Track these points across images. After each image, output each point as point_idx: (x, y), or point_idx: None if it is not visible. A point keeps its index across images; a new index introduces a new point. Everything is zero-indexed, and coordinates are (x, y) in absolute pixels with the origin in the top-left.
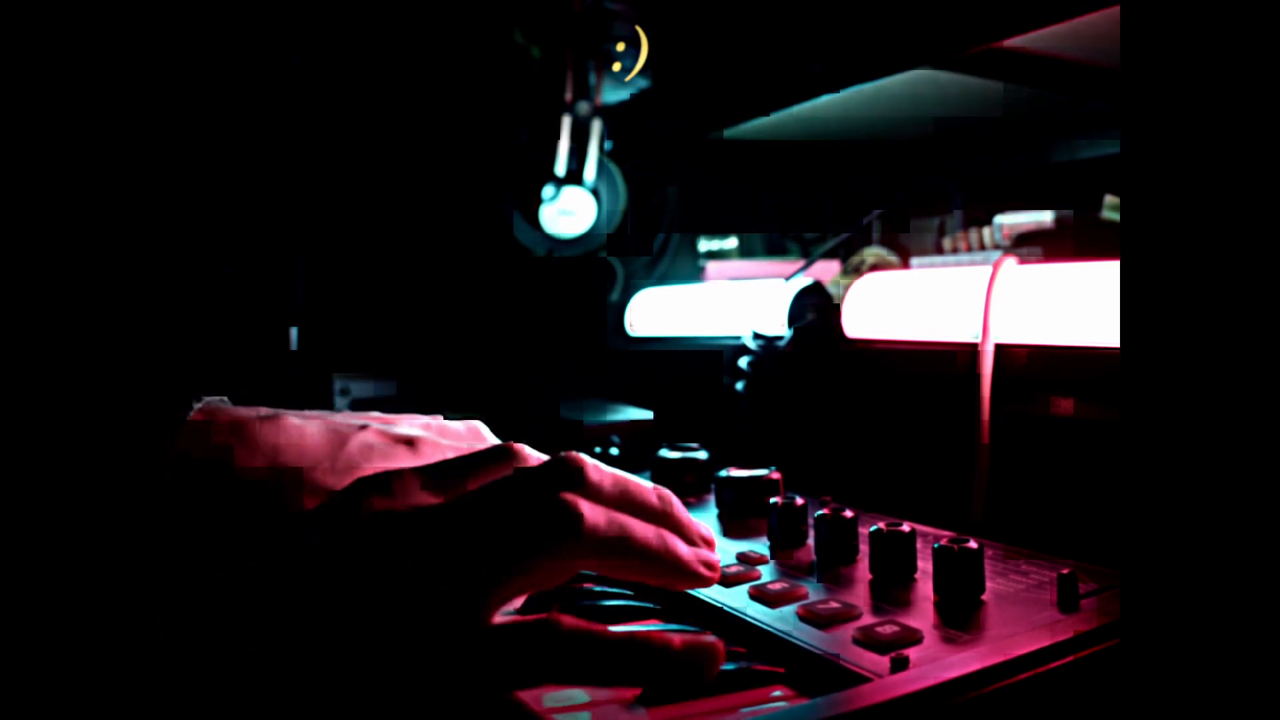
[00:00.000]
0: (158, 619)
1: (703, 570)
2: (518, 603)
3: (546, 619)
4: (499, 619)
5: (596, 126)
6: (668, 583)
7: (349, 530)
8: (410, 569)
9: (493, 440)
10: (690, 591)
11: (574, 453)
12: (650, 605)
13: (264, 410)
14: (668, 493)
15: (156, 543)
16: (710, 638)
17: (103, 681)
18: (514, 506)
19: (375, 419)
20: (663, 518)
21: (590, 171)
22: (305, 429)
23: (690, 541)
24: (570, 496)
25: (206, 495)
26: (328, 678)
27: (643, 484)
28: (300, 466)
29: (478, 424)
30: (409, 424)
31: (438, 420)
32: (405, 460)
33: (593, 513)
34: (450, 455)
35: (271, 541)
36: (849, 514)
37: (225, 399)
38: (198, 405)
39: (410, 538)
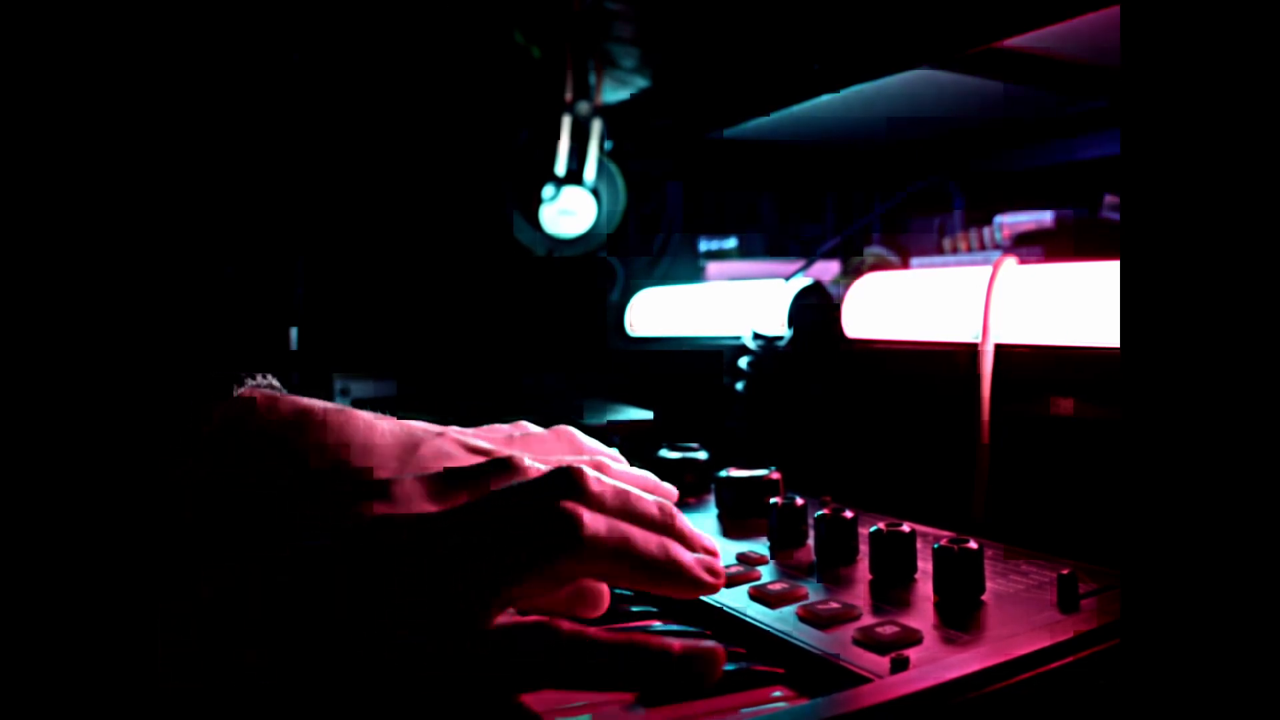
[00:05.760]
0: (157, 616)
1: (706, 576)
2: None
3: (544, 622)
4: (499, 621)
5: (596, 126)
6: (671, 590)
7: (348, 534)
8: (410, 574)
9: (586, 444)
10: None
11: (575, 463)
12: (649, 609)
13: (331, 405)
14: (670, 505)
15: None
16: (710, 642)
17: (100, 679)
18: (515, 514)
19: (454, 431)
20: (665, 529)
21: (590, 171)
22: (376, 426)
23: (693, 550)
24: (571, 505)
25: (228, 499)
26: (325, 678)
27: (645, 496)
28: (366, 466)
29: (568, 429)
30: (490, 435)
31: (521, 427)
32: None
33: (593, 521)
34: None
35: (275, 543)
36: (849, 514)
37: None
38: (238, 389)
39: (411, 543)
